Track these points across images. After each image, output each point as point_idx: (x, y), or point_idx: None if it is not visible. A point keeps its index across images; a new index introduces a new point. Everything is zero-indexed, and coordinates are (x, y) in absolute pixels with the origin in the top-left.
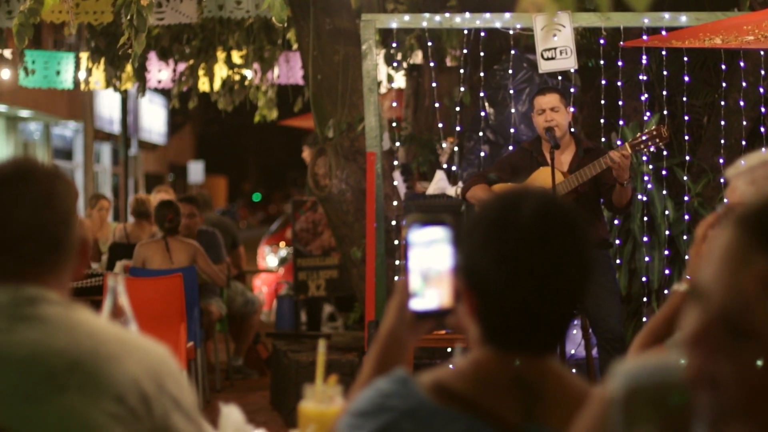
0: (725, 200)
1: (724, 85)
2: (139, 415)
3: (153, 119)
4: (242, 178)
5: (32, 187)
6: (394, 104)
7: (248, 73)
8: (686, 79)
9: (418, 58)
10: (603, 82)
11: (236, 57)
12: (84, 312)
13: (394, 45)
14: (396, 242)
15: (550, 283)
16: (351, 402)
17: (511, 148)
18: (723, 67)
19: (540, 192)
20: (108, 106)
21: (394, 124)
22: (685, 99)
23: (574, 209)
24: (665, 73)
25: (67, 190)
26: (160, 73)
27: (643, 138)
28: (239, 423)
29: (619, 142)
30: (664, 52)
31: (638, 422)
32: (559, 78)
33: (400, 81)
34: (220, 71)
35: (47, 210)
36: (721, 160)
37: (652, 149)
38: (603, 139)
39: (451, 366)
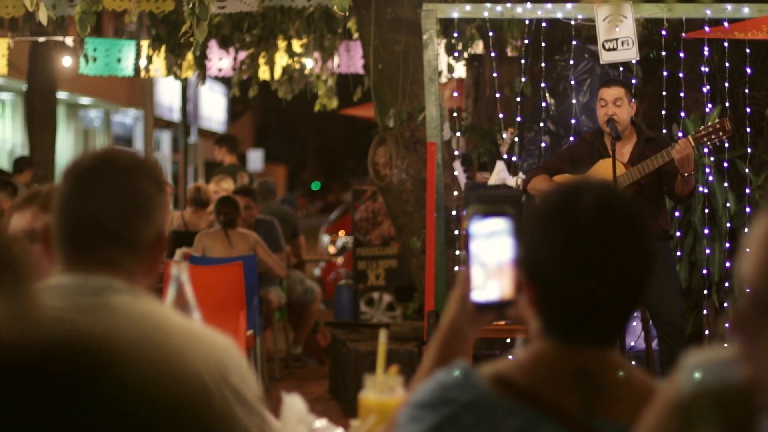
0: None
1: None
2: (199, 408)
3: (213, 107)
4: (301, 167)
5: (108, 179)
6: (455, 94)
7: (308, 62)
8: (748, 70)
9: (478, 48)
10: (665, 73)
11: (297, 46)
12: (152, 302)
13: (455, 35)
14: (456, 232)
15: (610, 275)
16: (412, 393)
17: (571, 139)
18: None
19: (600, 184)
20: (168, 94)
21: (454, 114)
22: (746, 91)
23: (633, 201)
24: (727, 64)
25: (149, 184)
26: (221, 61)
27: (707, 131)
28: (302, 413)
29: (680, 134)
30: (726, 44)
31: (704, 418)
32: (621, 69)
33: (460, 71)
34: (281, 60)
35: (121, 202)
36: None
37: (715, 142)
38: (664, 131)
39: (511, 358)
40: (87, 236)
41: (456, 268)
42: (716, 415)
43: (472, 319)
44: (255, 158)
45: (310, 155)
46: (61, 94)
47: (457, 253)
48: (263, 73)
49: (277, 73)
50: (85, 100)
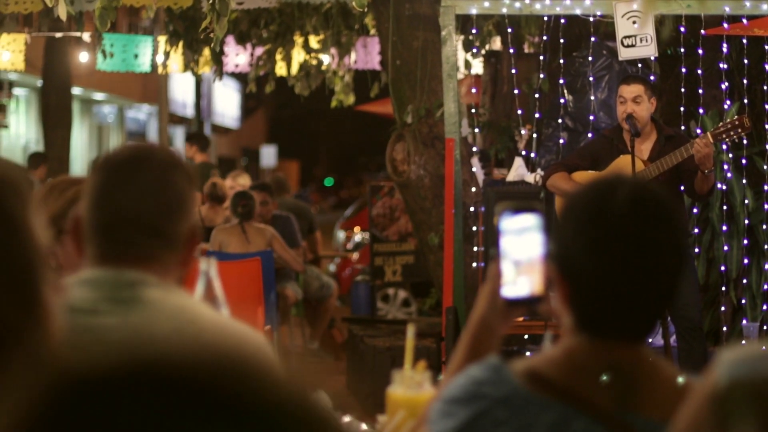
0: None
1: None
2: None
3: (226, 103)
4: (314, 163)
5: (143, 175)
6: (473, 90)
7: (325, 58)
8: (767, 67)
9: (495, 44)
10: (683, 70)
11: (314, 42)
12: (184, 296)
13: (473, 31)
14: (474, 228)
15: (644, 270)
16: (443, 389)
17: (590, 135)
18: None
19: (634, 179)
20: (181, 90)
21: (473, 111)
22: (765, 87)
23: (667, 196)
24: (745, 61)
25: (182, 180)
26: (238, 57)
27: (726, 128)
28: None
29: (698, 131)
30: (744, 41)
31: (740, 412)
32: (639, 66)
33: (477, 67)
34: (298, 56)
35: (155, 198)
36: None
37: (734, 139)
38: (682, 128)
39: (541, 354)
40: (126, 231)
41: (474, 265)
42: (753, 408)
43: (502, 315)
44: (268, 154)
45: (323, 151)
46: (75, 90)
47: (475, 249)
48: (280, 69)
49: (294, 69)
50: (98, 96)
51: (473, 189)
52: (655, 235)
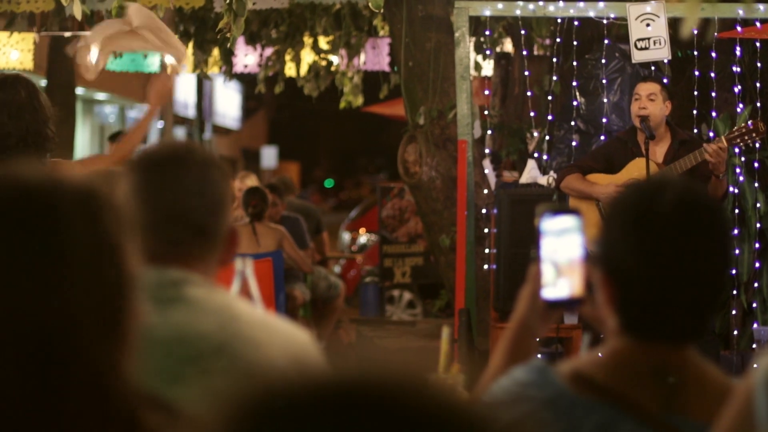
0: None
1: None
2: None
3: (227, 104)
4: (314, 164)
5: (185, 173)
6: (486, 92)
7: (335, 59)
8: None
9: (505, 46)
10: (696, 73)
11: (323, 42)
12: (227, 294)
13: (486, 33)
14: (485, 230)
15: (691, 272)
16: (485, 392)
17: (602, 138)
18: None
19: (680, 181)
20: (183, 90)
21: (485, 113)
22: None
23: (713, 198)
24: (758, 64)
25: (221, 179)
26: (247, 57)
27: (740, 132)
28: None
29: (711, 134)
30: (757, 44)
31: None
32: (652, 68)
33: (486, 69)
34: (307, 57)
35: (197, 197)
36: None
37: (748, 143)
38: (695, 131)
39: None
40: (172, 230)
41: (485, 267)
42: None
43: (542, 317)
44: (269, 155)
45: (324, 152)
46: (78, 90)
47: (487, 251)
48: (289, 70)
49: (304, 70)
50: (100, 96)
51: (485, 191)
52: (701, 237)
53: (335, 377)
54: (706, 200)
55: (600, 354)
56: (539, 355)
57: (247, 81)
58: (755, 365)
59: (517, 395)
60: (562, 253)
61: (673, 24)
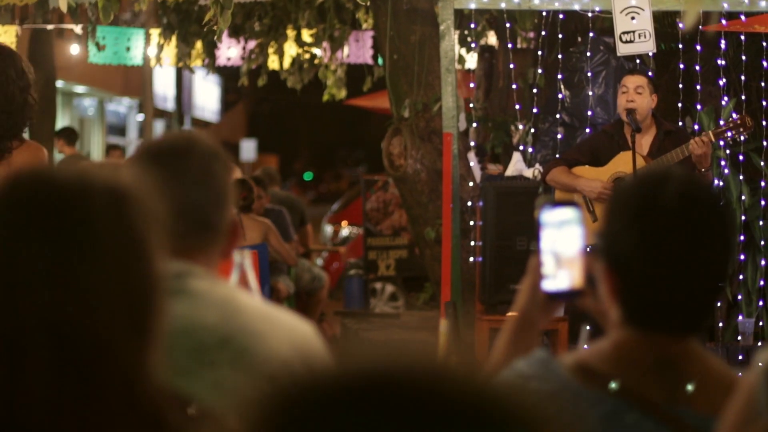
0: None
1: None
2: None
3: (206, 97)
4: (294, 157)
5: (188, 165)
6: (472, 85)
7: (318, 52)
8: (765, 64)
9: (489, 39)
10: (681, 66)
11: (306, 35)
12: (230, 287)
13: (472, 26)
14: (471, 223)
15: (695, 263)
16: None
17: (587, 130)
18: None
19: (683, 173)
20: (162, 83)
21: (470, 105)
22: (762, 84)
23: (716, 190)
24: (743, 58)
25: (224, 171)
26: (230, 50)
27: (727, 126)
28: None
29: (696, 127)
30: (742, 37)
31: None
32: (637, 61)
33: (470, 62)
34: (290, 49)
35: (201, 189)
36: None
37: (736, 138)
38: (680, 123)
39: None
40: (177, 223)
41: (471, 259)
42: None
43: (543, 309)
44: (248, 148)
45: (303, 145)
46: (57, 83)
47: (472, 243)
48: (272, 63)
49: (287, 63)
50: (79, 89)
51: (470, 184)
52: (704, 229)
53: (360, 368)
54: (708, 192)
55: (603, 345)
56: None
57: (227, 74)
58: (758, 359)
59: (521, 388)
60: (562, 244)
61: (659, 17)
